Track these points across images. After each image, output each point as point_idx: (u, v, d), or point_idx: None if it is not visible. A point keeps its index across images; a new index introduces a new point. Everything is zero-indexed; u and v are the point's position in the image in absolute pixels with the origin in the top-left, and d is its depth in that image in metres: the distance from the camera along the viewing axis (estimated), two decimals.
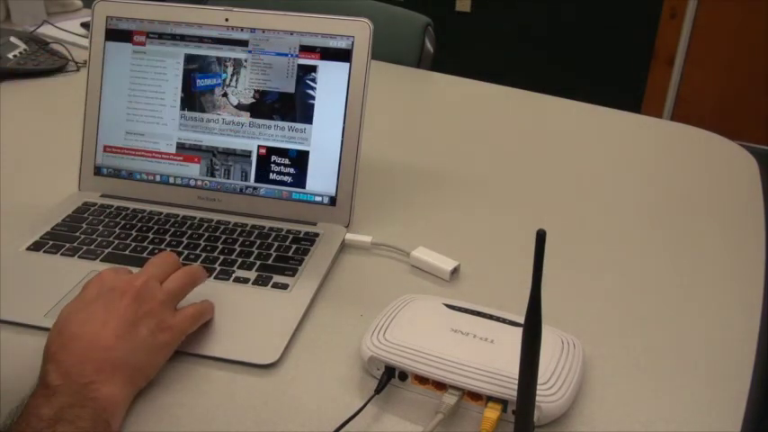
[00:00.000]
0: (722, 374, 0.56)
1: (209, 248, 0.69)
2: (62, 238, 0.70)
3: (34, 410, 0.45)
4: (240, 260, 0.68)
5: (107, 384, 0.48)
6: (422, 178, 0.88)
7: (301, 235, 0.72)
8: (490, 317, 0.57)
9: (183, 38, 0.76)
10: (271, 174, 0.75)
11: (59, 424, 0.44)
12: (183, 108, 0.77)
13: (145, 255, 0.68)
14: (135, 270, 0.57)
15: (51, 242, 0.69)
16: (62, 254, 0.68)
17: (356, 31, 0.73)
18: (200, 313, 0.58)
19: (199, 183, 0.77)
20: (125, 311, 0.52)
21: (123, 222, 0.73)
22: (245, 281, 0.65)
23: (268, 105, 0.75)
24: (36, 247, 0.69)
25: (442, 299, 0.60)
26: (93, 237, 0.70)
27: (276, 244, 0.70)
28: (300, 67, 0.74)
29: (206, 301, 0.59)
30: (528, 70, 3.05)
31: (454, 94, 1.20)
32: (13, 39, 1.21)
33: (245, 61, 0.75)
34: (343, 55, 0.73)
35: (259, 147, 0.75)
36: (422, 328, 0.56)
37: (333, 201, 0.74)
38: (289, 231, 0.73)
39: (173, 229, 0.72)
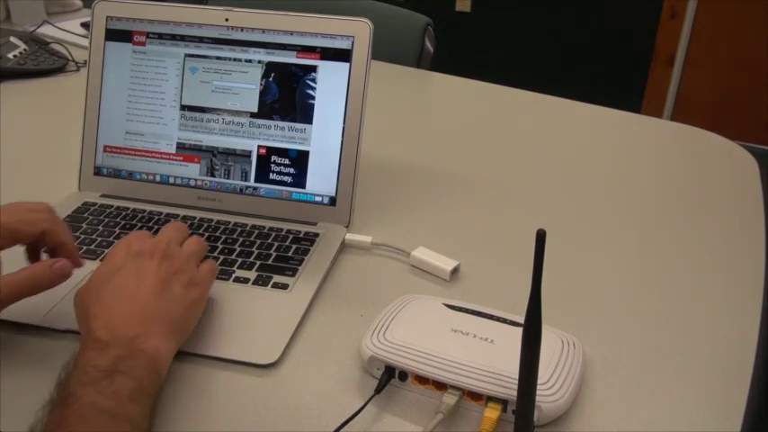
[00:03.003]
0: (722, 374, 0.56)
1: (209, 248, 0.69)
2: None
3: (91, 362, 0.47)
4: (240, 260, 0.68)
5: (152, 337, 0.50)
6: (422, 178, 0.88)
7: (301, 235, 0.72)
8: (490, 317, 0.57)
9: (183, 38, 0.76)
10: (271, 174, 0.75)
11: (116, 375, 0.46)
12: (182, 108, 0.77)
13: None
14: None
15: None
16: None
17: (356, 31, 0.73)
18: (215, 268, 0.61)
19: (199, 183, 0.77)
20: (157, 271, 0.54)
21: (123, 222, 0.73)
22: (245, 281, 0.65)
23: (268, 105, 0.75)
24: None
25: (442, 299, 0.60)
26: (94, 237, 0.70)
27: (276, 244, 0.70)
28: (300, 67, 0.74)
29: (209, 259, 0.62)
30: (528, 70, 3.05)
31: (454, 94, 1.20)
32: (13, 39, 1.21)
33: (245, 61, 0.75)
34: (343, 55, 0.73)
35: (259, 147, 0.75)
36: (422, 328, 0.56)
37: (333, 201, 0.74)
38: (289, 231, 0.73)
39: None
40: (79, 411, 0.43)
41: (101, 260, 0.67)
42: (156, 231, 0.71)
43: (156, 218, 0.74)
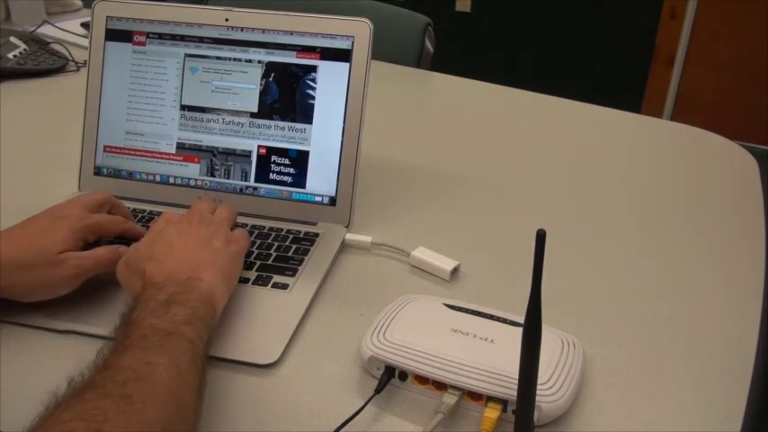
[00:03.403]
0: (722, 374, 0.56)
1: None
2: None
3: (151, 297, 0.52)
4: None
5: (204, 277, 0.55)
6: (422, 178, 0.88)
7: (301, 235, 0.72)
8: (490, 317, 0.57)
9: (183, 38, 0.76)
10: (271, 174, 0.75)
11: (173, 305, 0.51)
12: (182, 108, 0.77)
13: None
14: None
15: None
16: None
17: (356, 31, 0.73)
18: (247, 234, 0.66)
19: (199, 183, 0.77)
20: (197, 232, 0.60)
21: None
22: (245, 281, 0.65)
23: (268, 105, 0.75)
24: None
25: (442, 299, 0.60)
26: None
27: (276, 244, 0.70)
28: (300, 67, 0.74)
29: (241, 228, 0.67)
30: (528, 70, 3.05)
31: (454, 94, 1.20)
32: (13, 39, 1.21)
33: (245, 61, 0.75)
34: (343, 55, 0.73)
35: (259, 147, 0.75)
36: (422, 328, 0.56)
37: (333, 201, 0.74)
38: (289, 231, 0.72)
39: None
40: (140, 331, 0.48)
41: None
42: None
43: (156, 218, 0.74)
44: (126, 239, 0.65)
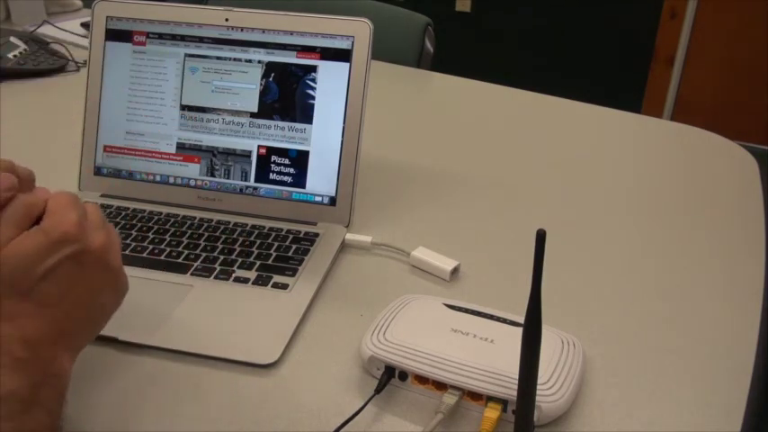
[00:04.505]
0: (722, 374, 0.56)
1: (209, 248, 0.69)
2: None
3: None
4: (240, 260, 0.68)
5: None
6: (422, 178, 0.88)
7: (301, 235, 0.72)
8: (490, 317, 0.57)
9: (183, 38, 0.76)
10: (271, 174, 0.75)
11: None
12: (182, 108, 0.77)
13: (145, 255, 0.68)
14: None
15: None
16: None
17: (356, 31, 0.73)
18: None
19: (199, 183, 0.77)
20: None
21: (123, 222, 0.73)
22: (245, 281, 0.65)
23: (268, 105, 0.75)
24: None
25: (442, 299, 0.60)
26: None
27: (276, 244, 0.70)
28: (300, 67, 0.74)
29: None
30: (528, 70, 3.05)
31: (454, 94, 1.20)
32: (13, 39, 1.21)
33: (245, 61, 0.75)
34: (343, 55, 0.73)
35: (259, 147, 0.75)
36: (422, 328, 0.56)
37: (333, 201, 0.74)
38: (289, 231, 0.73)
39: (173, 229, 0.72)
40: None
41: None
42: (156, 231, 0.72)
43: (156, 218, 0.74)
44: None
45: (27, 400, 0.39)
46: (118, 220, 0.74)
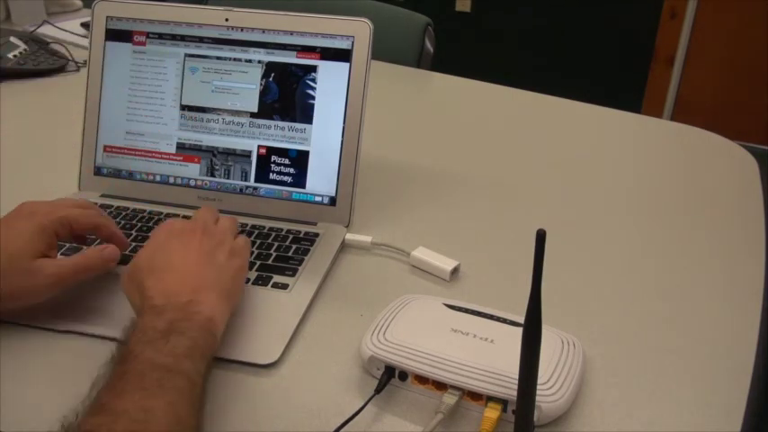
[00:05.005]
0: (722, 374, 0.56)
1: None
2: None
3: (149, 324, 0.49)
4: None
5: (204, 301, 0.53)
6: (422, 178, 0.88)
7: (301, 235, 0.72)
8: (490, 317, 0.57)
9: (183, 38, 0.76)
10: (271, 174, 0.75)
11: (172, 335, 0.48)
12: (182, 108, 0.77)
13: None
14: None
15: None
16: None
17: (356, 31, 0.73)
18: (249, 241, 0.64)
19: (199, 183, 0.77)
20: (200, 245, 0.57)
21: (123, 222, 0.73)
22: (245, 281, 0.65)
23: (268, 105, 0.75)
24: None
25: (442, 299, 0.60)
26: (93, 237, 0.70)
27: (276, 244, 0.70)
28: (300, 67, 0.74)
29: (243, 235, 0.65)
30: (528, 70, 3.05)
31: (454, 94, 1.20)
32: (13, 39, 1.21)
33: (245, 61, 0.75)
34: (343, 55, 0.73)
35: (259, 147, 0.75)
36: (422, 327, 0.56)
37: (333, 201, 0.74)
38: (289, 231, 0.72)
39: None
40: (138, 367, 0.46)
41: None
42: None
43: (156, 218, 0.74)
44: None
45: (165, 331, 0.49)
46: (118, 220, 0.74)
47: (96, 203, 0.76)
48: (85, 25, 1.40)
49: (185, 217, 0.74)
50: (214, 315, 0.52)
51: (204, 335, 0.50)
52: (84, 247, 0.67)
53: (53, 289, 0.58)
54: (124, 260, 0.64)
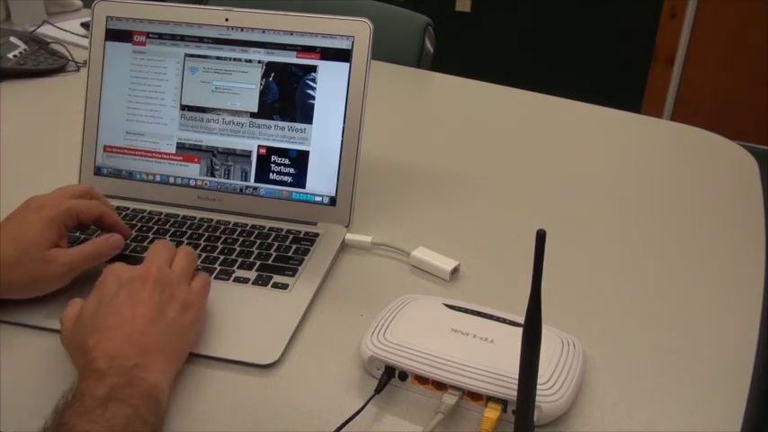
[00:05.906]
0: (722, 374, 0.56)
1: (209, 248, 0.69)
2: None
3: (88, 391, 0.46)
4: (240, 260, 0.68)
5: (151, 365, 0.50)
6: (422, 178, 0.88)
7: (301, 235, 0.72)
8: (490, 317, 0.57)
9: (183, 38, 0.76)
10: (271, 174, 0.75)
11: (112, 403, 0.46)
12: (182, 108, 0.77)
13: (145, 255, 0.68)
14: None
15: None
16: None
17: (356, 31, 0.73)
18: (207, 283, 0.60)
19: (199, 183, 0.77)
20: (150, 297, 0.54)
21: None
22: (245, 281, 0.65)
23: (268, 105, 0.75)
24: None
25: (442, 299, 0.60)
26: (94, 237, 0.70)
27: (276, 244, 0.70)
28: (300, 67, 0.74)
29: (201, 271, 0.62)
30: (528, 70, 3.05)
31: (454, 94, 1.20)
32: (13, 39, 1.21)
33: (245, 61, 0.75)
34: (343, 55, 0.73)
35: (259, 147, 0.75)
36: (422, 328, 0.56)
37: (333, 201, 0.74)
38: (289, 231, 0.73)
39: (173, 230, 0.72)
40: None
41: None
42: (156, 231, 0.72)
43: (156, 218, 0.74)
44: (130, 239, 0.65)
45: (104, 399, 0.46)
46: None
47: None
48: (85, 25, 1.40)
49: (185, 217, 0.74)
50: (160, 381, 0.50)
51: (148, 403, 0.47)
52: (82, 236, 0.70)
53: (66, 277, 0.61)
54: (124, 259, 0.64)
